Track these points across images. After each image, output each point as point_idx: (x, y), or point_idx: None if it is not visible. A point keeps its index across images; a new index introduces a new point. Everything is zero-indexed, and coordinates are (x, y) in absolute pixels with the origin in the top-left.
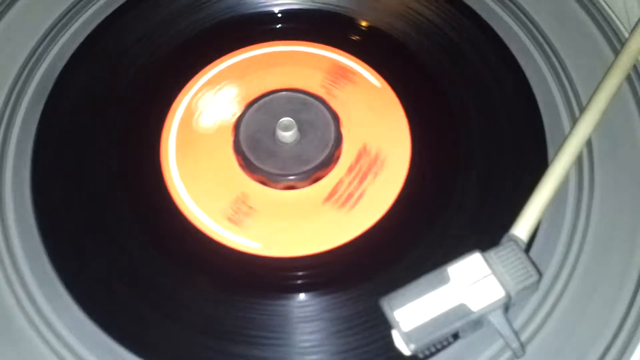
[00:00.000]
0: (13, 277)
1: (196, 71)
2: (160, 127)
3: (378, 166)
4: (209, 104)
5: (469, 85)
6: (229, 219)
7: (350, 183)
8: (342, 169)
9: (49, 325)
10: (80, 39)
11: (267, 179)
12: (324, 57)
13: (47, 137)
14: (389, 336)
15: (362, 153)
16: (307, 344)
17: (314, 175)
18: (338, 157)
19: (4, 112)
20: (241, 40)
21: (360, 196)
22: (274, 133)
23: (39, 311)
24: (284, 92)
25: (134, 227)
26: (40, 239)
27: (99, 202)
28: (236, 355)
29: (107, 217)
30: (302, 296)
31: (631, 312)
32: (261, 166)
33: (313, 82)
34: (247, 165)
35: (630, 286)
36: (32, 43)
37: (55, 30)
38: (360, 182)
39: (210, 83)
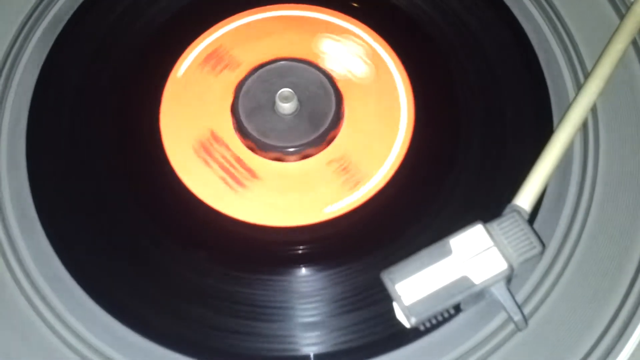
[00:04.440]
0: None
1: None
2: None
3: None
4: None
5: (472, 53)
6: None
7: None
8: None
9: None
10: None
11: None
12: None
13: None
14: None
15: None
16: (309, 319)
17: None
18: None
19: (2, 69)
20: None
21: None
22: (274, 101)
23: (35, 288)
24: (315, 69)
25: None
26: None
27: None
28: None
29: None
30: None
31: (635, 284)
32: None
33: None
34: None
35: (636, 257)
36: None
37: None
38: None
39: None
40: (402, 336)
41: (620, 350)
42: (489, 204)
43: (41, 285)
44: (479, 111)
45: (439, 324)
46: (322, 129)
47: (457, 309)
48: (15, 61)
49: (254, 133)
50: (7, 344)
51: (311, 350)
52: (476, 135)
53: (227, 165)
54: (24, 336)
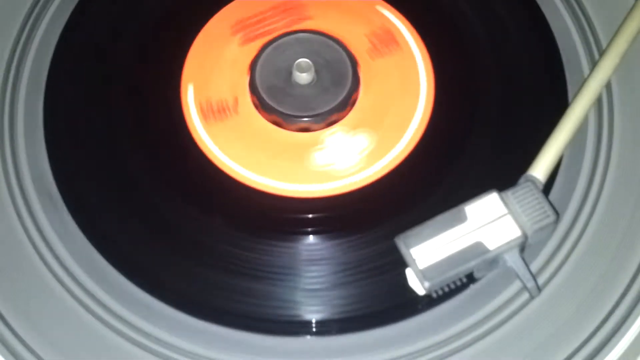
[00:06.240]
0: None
1: None
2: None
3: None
4: None
5: (488, 30)
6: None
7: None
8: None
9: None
10: None
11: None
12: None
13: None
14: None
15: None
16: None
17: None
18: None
19: (18, 39)
20: None
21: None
22: (291, 72)
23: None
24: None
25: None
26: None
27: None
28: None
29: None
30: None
31: None
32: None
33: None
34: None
35: None
36: None
37: None
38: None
39: None
40: (414, 305)
41: (633, 322)
42: (505, 174)
43: (56, 244)
44: (496, 86)
45: (451, 293)
46: (343, 94)
47: (470, 278)
48: (29, 38)
49: (278, 107)
50: (28, 303)
51: (315, 317)
52: (493, 110)
53: None
54: (43, 298)
